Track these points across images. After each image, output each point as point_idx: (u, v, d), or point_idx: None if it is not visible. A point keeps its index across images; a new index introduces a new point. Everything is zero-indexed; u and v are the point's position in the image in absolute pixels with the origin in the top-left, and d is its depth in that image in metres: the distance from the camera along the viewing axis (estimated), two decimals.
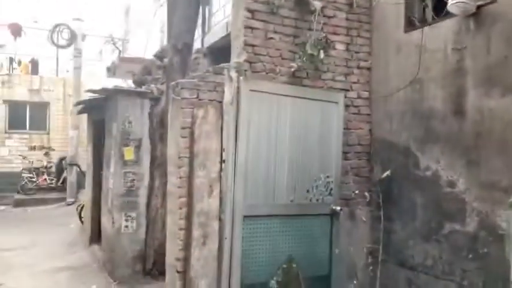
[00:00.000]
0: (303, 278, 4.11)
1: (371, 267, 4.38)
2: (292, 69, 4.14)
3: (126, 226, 6.29)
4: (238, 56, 4.05)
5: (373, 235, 4.54)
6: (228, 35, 6.38)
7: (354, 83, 4.64)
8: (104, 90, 6.45)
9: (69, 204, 13.18)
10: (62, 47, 15.35)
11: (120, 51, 15.25)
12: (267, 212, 3.93)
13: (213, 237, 3.69)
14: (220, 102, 3.87)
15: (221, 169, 3.77)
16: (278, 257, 4.00)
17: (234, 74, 3.79)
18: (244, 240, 3.80)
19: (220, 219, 3.73)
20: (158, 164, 6.44)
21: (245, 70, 3.97)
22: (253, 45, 4.06)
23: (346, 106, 4.52)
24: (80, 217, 9.74)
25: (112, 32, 17.80)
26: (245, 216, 3.80)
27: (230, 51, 4.27)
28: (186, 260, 3.65)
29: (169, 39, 6.65)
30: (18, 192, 14.12)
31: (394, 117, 4.45)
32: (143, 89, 6.70)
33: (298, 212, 4.11)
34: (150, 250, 6.35)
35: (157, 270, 6.27)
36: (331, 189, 4.30)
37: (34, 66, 17.90)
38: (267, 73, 4.12)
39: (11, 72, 17.24)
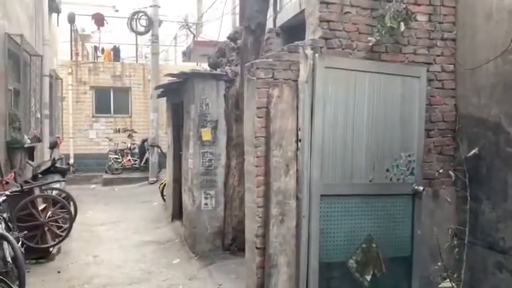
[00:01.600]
0: (383, 259, 4.02)
1: (456, 250, 4.17)
2: (370, 44, 3.98)
3: (206, 204, 6.54)
4: (313, 32, 3.97)
5: (458, 216, 4.31)
6: (300, 13, 6.29)
7: (438, 55, 4.36)
8: (181, 74, 6.67)
9: (151, 183, 13.95)
10: (141, 33, 16.07)
11: (194, 36, 15.61)
12: (345, 192, 3.86)
13: (290, 215, 3.72)
14: (295, 81, 3.84)
15: (297, 148, 3.76)
16: (357, 237, 3.94)
17: (309, 52, 3.72)
18: (322, 219, 3.78)
19: (297, 198, 3.74)
20: (234, 144, 6.58)
21: (320, 47, 3.89)
22: (328, 21, 3.95)
23: (429, 80, 4.27)
24: (162, 195, 10.29)
25: (186, 16, 18.28)
26: (322, 195, 3.77)
27: (303, 29, 4.19)
28: (264, 236, 3.72)
29: (242, 21, 6.69)
30: (106, 172, 15.19)
31: (482, 91, 4.14)
32: (218, 71, 6.84)
33: (377, 192, 3.99)
34: (228, 227, 6.57)
35: (236, 246, 6.48)
36: (413, 168, 4.12)
37: (116, 54, 18.98)
38: (343, 49, 4.01)
39: (95, 60, 18.41)
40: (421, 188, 4.10)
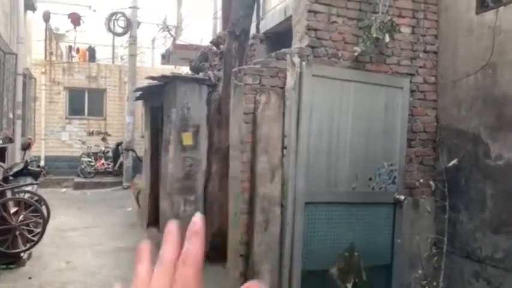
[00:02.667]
0: (364, 267, 4.05)
1: (435, 259, 4.24)
2: (356, 54, 4.03)
3: (185, 210, 6.45)
4: (300, 40, 3.99)
5: (437, 226, 4.39)
6: (285, 20, 6.32)
7: (420, 67, 4.46)
8: (163, 77, 6.59)
9: (125, 188, 13.67)
10: (118, 34, 15.82)
11: (174, 38, 15.49)
12: (328, 199, 3.88)
13: (275, 223, 3.71)
14: (282, 88, 3.84)
15: (283, 155, 3.76)
16: (339, 245, 3.95)
17: (296, 59, 3.74)
18: (306, 227, 3.79)
19: (282, 205, 3.73)
20: (215, 150, 6.53)
21: (307, 55, 3.91)
22: (315, 30, 3.99)
23: (412, 91, 4.36)
24: (137, 200, 10.09)
25: (165, 19, 18.14)
26: (306, 203, 3.77)
27: (288, 36, 4.22)
28: (248, 244, 3.69)
29: (226, 26, 6.67)
30: (78, 176, 14.81)
31: (462, 104, 4.25)
32: (201, 75, 6.79)
33: (360, 200, 4.03)
34: (207, 234, 6.47)
35: (214, 254, 6.39)
36: (395, 177, 4.18)
37: (91, 54, 18.59)
38: (329, 58, 4.04)
39: (70, 60, 18.02)
40: (402, 197, 4.16)
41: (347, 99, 3.95)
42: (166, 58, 14.43)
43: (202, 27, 12.18)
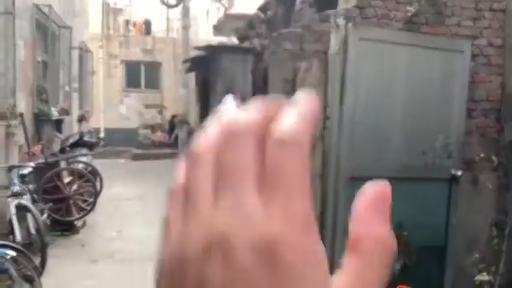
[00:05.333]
0: (414, 247, 3.74)
1: (495, 241, 3.85)
2: (409, 14, 3.62)
3: None
4: (346, 1, 3.64)
5: (499, 205, 3.97)
6: None
7: (485, 28, 3.96)
8: (207, 47, 6.46)
9: None
10: (172, 6, 15.83)
11: (226, 9, 15.27)
12: (375, 174, 3.55)
13: (315, 198, 3.48)
14: (325, 53, 3.54)
15: (325, 126, 3.49)
16: None
17: (341, 21, 3.41)
18: (349, 203, 3.52)
19: (323, 179, 3.49)
20: None
21: (354, 17, 3.57)
22: None
23: (474, 56, 3.89)
24: None
25: None
26: (350, 178, 3.51)
27: None
28: None
29: None
30: (135, 147, 15.26)
31: None
32: (246, 44, 6.57)
33: (411, 175, 3.69)
34: None
35: None
36: (452, 151, 3.79)
37: (147, 27, 18.83)
38: (379, 19, 3.67)
39: (127, 33, 18.36)
40: (459, 172, 3.78)
41: (399, 65, 3.58)
42: (218, 29, 14.30)
43: None
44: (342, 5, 3.66)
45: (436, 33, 3.81)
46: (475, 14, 3.92)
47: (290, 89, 3.48)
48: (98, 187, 7.61)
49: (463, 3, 3.87)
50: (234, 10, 15.29)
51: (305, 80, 3.42)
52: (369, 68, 3.50)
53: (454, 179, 3.80)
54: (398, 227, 3.68)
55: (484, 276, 3.64)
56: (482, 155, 3.93)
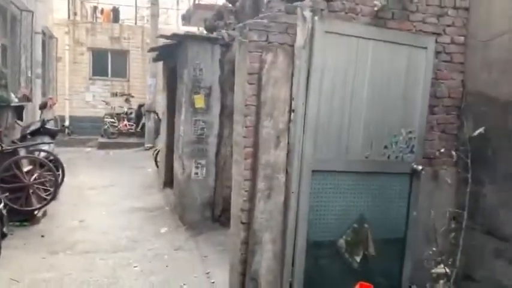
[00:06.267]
0: (374, 240, 3.81)
1: (453, 234, 3.96)
2: (376, 9, 3.64)
3: (196, 173, 6.32)
4: None
5: (458, 199, 4.07)
6: None
7: (448, 26, 4.02)
8: (174, 36, 6.33)
9: (146, 149, 13.74)
10: None
11: None
12: (338, 168, 3.61)
13: (278, 191, 3.48)
14: (292, 46, 3.52)
15: (290, 120, 3.48)
16: (349, 216, 3.71)
17: (308, 14, 3.39)
18: (312, 196, 3.55)
19: (287, 172, 3.49)
20: (228, 113, 6.30)
21: (321, 9, 3.56)
22: None
23: (437, 53, 3.95)
24: (156, 161, 10.10)
25: None
26: (314, 171, 3.52)
27: None
28: (250, 211, 3.49)
29: None
30: (101, 136, 14.96)
31: (494, 67, 3.82)
32: (214, 35, 6.48)
33: (373, 170, 3.74)
34: (219, 198, 6.37)
35: (226, 217, 6.29)
36: (413, 146, 3.86)
37: (115, 15, 18.38)
38: (346, 13, 3.67)
39: (94, 20, 17.85)
40: (420, 167, 3.85)
41: (364, 59, 3.59)
42: (187, 19, 14.08)
43: None
44: None
45: (402, 28, 3.85)
46: (439, 11, 3.98)
47: (256, 81, 3.45)
48: (60, 176, 7.40)
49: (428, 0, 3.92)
50: (203, 0, 15.09)
51: (271, 72, 3.39)
52: (335, 62, 3.50)
53: (415, 173, 3.87)
54: (360, 220, 3.74)
55: (441, 269, 3.74)
56: (442, 150, 4.01)
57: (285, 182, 3.47)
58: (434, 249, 3.83)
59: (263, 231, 3.44)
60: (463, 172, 4.02)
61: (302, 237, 3.52)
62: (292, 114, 3.45)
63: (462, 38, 4.08)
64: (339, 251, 3.71)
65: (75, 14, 17.31)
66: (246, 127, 3.47)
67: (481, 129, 3.85)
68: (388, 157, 3.79)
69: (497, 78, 3.78)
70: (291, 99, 3.46)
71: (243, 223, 3.54)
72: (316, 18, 3.39)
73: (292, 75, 3.46)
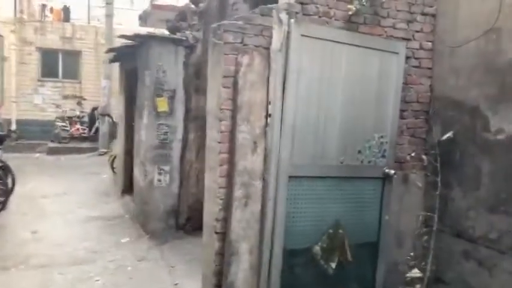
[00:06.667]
0: (349, 245, 3.78)
1: (424, 237, 4.01)
2: (350, 13, 3.62)
3: (159, 180, 6.09)
4: None
5: (427, 202, 4.13)
6: None
7: (417, 31, 4.08)
8: (136, 36, 6.08)
9: (100, 154, 13.23)
10: None
11: None
12: (314, 173, 3.56)
13: (255, 198, 3.37)
14: (267, 48, 3.43)
15: (266, 124, 3.38)
16: (324, 222, 3.66)
17: (284, 16, 3.31)
18: (289, 203, 3.47)
19: (263, 179, 3.39)
20: (193, 117, 6.14)
21: (296, 12, 3.49)
22: None
23: (407, 58, 3.99)
24: (112, 167, 9.71)
25: None
26: (290, 177, 3.44)
27: None
28: (225, 220, 3.36)
29: None
30: (52, 141, 14.26)
31: (461, 72, 3.91)
32: (178, 36, 6.29)
33: (347, 174, 3.72)
34: (183, 205, 6.17)
35: (191, 225, 6.11)
36: (385, 150, 3.87)
37: (66, 14, 17.62)
38: (320, 17, 3.63)
39: (43, 19, 17.03)
40: (392, 171, 3.87)
41: (339, 64, 3.56)
42: (143, 19, 13.78)
43: None
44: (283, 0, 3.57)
45: (373, 33, 3.86)
46: (409, 16, 4.03)
47: (231, 84, 3.33)
48: (10, 185, 6.92)
49: (398, 5, 3.96)
50: (160, 1, 14.77)
51: (247, 75, 3.28)
52: (310, 66, 3.45)
53: (387, 177, 3.88)
54: (335, 226, 3.70)
55: (415, 273, 3.77)
56: (413, 154, 4.06)
57: (261, 189, 3.37)
58: (409, 253, 3.85)
59: (240, 241, 3.32)
60: (432, 176, 4.08)
61: (279, 246, 3.43)
62: (269, 118, 3.35)
63: (430, 44, 4.16)
64: (314, 258, 3.65)
65: (21, 12, 16.44)
66: (221, 132, 3.34)
67: (449, 134, 3.93)
68: (362, 162, 3.78)
69: (464, 83, 3.87)
70: (268, 103, 3.36)
71: (217, 233, 3.40)
72: (292, 21, 3.32)
73: (269, 78, 3.36)
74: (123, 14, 20.65)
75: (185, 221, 6.17)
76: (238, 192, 3.30)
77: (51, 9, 18.02)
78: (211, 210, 3.48)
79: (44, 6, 18.60)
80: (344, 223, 3.76)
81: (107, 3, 13.89)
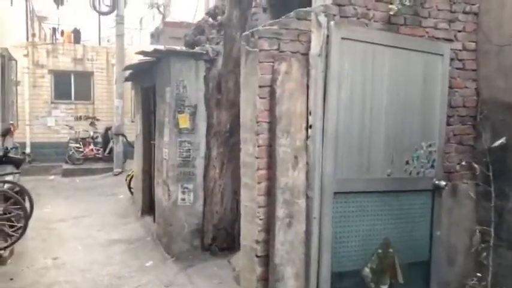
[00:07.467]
0: (400, 265, 3.46)
1: (479, 253, 3.67)
2: (392, 13, 3.36)
3: (183, 199, 5.82)
4: None
5: (480, 215, 3.80)
6: None
7: (459, 31, 3.82)
8: (155, 52, 5.88)
9: (115, 175, 13.03)
10: (104, 13, 14.94)
11: (163, 16, 14.67)
12: (360, 188, 3.26)
13: (299, 218, 3.08)
14: (304, 54, 3.18)
15: (307, 136, 3.11)
16: (373, 241, 3.36)
17: (323, 19, 3.06)
18: (335, 221, 3.17)
19: (307, 196, 3.10)
20: (215, 132, 5.88)
21: (334, 15, 3.25)
22: None
23: (450, 60, 3.72)
24: (129, 188, 9.47)
25: None
26: (335, 193, 3.15)
27: (295, 4, 3.56)
28: (267, 243, 3.06)
29: None
30: (66, 162, 14.12)
31: (510, 72, 3.62)
32: (197, 50, 6.09)
33: (395, 188, 3.42)
34: (208, 224, 5.88)
35: (216, 246, 5.82)
36: (434, 160, 3.57)
37: (76, 36, 17.70)
38: (358, 18, 3.38)
39: (54, 42, 17.08)
40: (443, 182, 3.56)
41: (381, 67, 3.30)
42: (155, 37, 13.65)
43: (192, 5, 11.54)
44: (318, 2, 3.33)
45: (414, 34, 3.60)
46: (450, 16, 3.77)
47: (268, 94, 3.07)
48: (28, 209, 6.70)
49: (439, 4, 3.70)
50: (172, 18, 14.72)
51: (285, 84, 3.02)
52: (352, 71, 3.19)
53: (437, 189, 3.57)
54: (385, 245, 3.39)
55: None
56: (463, 163, 3.75)
57: (305, 207, 3.08)
58: (462, 272, 3.52)
59: (285, 265, 3.02)
60: (484, 186, 3.76)
61: (326, 269, 3.13)
62: (309, 130, 3.07)
63: (473, 44, 3.88)
64: (364, 281, 3.33)
65: (33, 35, 16.52)
66: (258, 146, 3.07)
67: (502, 140, 3.62)
68: (410, 173, 3.48)
69: None
70: (308, 113, 3.09)
71: (258, 256, 3.10)
72: (332, 23, 3.07)
73: (308, 86, 3.10)
74: (134, 33, 20.77)
75: (211, 241, 5.87)
76: (280, 212, 3.01)
77: (62, 32, 18.14)
78: (250, 232, 3.19)
79: (54, 29, 18.75)
80: (393, 241, 3.44)
81: (117, 23, 13.84)
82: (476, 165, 3.76)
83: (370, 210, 3.32)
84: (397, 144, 3.39)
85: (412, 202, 3.53)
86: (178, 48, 6.51)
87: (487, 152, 3.73)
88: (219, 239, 5.80)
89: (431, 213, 3.60)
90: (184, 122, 5.77)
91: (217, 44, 6.10)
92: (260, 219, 3.09)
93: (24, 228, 6.03)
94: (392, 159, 3.38)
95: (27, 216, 6.22)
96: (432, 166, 3.57)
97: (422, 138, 3.51)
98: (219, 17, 6.41)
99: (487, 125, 3.81)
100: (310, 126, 3.09)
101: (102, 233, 7.21)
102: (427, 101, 3.52)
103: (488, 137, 3.76)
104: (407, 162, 3.46)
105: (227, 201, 5.87)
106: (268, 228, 3.05)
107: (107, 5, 14.47)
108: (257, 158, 3.08)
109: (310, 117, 3.08)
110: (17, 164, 7.62)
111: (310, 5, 3.44)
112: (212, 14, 6.77)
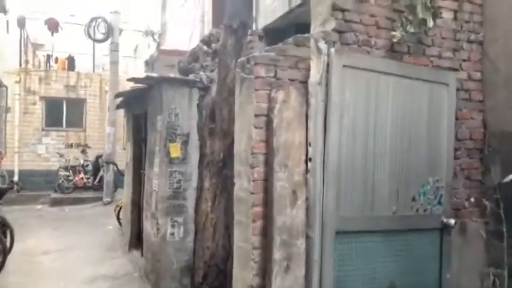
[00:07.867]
0: None
1: None
2: (395, 40, 3.18)
3: (172, 233, 5.50)
4: (322, 24, 3.13)
5: (491, 255, 3.53)
6: (289, 13, 5.50)
7: (464, 60, 3.64)
8: (148, 78, 5.69)
9: (105, 204, 12.67)
10: (99, 41, 14.93)
11: (158, 43, 14.63)
12: (364, 227, 3.00)
13: (298, 261, 2.79)
14: (303, 82, 2.97)
15: (307, 170, 2.86)
16: (378, 285, 3.07)
17: (323, 45, 2.87)
18: (336, 264, 2.89)
19: (307, 237, 2.83)
20: (208, 163, 5.62)
21: (333, 41, 3.06)
22: (343, 10, 3.14)
23: (456, 90, 3.53)
24: (118, 218, 9.13)
25: (149, 25, 17.25)
26: (337, 232, 2.88)
27: (291, 33, 3.39)
28: None
29: (217, 23, 5.83)
30: (55, 191, 13.75)
31: None
32: (191, 77, 5.90)
33: (401, 227, 3.16)
34: (199, 261, 5.54)
35: (207, 284, 5.46)
36: (441, 196, 3.33)
37: (70, 63, 17.60)
38: (359, 46, 3.19)
39: (47, 69, 16.95)
40: (452, 220, 3.31)
41: (385, 97, 3.10)
42: (150, 65, 13.52)
43: (187, 33, 11.57)
44: (317, 28, 3.14)
45: (418, 63, 3.42)
46: (455, 44, 3.61)
47: (264, 124, 2.83)
48: (8, 243, 6.34)
49: (443, 32, 3.54)
50: (167, 46, 14.67)
51: (283, 113, 2.80)
52: (354, 100, 2.98)
53: (445, 228, 3.31)
54: None
55: None
56: (472, 200, 3.51)
57: (305, 249, 2.80)
58: None
59: None
60: (494, 224, 3.51)
61: None
62: (309, 163, 2.83)
63: (479, 74, 3.70)
64: None
65: (26, 62, 16.38)
66: (253, 181, 2.81)
67: None
68: (417, 210, 3.23)
69: None
70: (307, 144, 2.86)
71: None
72: (332, 50, 2.87)
73: (307, 116, 2.88)
74: (129, 61, 20.73)
75: (201, 279, 5.52)
76: (277, 254, 2.73)
77: (56, 59, 18.04)
78: (243, 276, 2.90)
79: (48, 56, 18.67)
80: (400, 285, 3.15)
81: (111, 51, 13.76)
82: (487, 202, 3.51)
83: (375, 251, 3.05)
84: (403, 179, 3.15)
85: (419, 242, 3.26)
86: (171, 75, 6.32)
87: (496, 188, 3.49)
88: (210, 277, 5.45)
89: (439, 254, 3.33)
90: (175, 151, 5.52)
91: (212, 71, 5.93)
92: (255, 263, 2.81)
93: (3, 263, 5.67)
94: (397, 195, 3.13)
95: (7, 251, 5.87)
96: (439, 203, 3.32)
97: (429, 172, 3.28)
98: (213, 45, 6.25)
99: (496, 158, 3.59)
100: (310, 159, 2.84)
101: (87, 268, 6.83)
102: (433, 133, 3.30)
103: (498, 172, 3.54)
104: (413, 199, 3.21)
105: (219, 236, 5.55)
106: (264, 272, 2.76)
107: (102, 33, 14.46)
108: (252, 193, 2.82)
109: (309, 149, 2.85)
110: (1, 193, 7.30)
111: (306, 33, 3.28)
112: (207, 41, 6.62)
